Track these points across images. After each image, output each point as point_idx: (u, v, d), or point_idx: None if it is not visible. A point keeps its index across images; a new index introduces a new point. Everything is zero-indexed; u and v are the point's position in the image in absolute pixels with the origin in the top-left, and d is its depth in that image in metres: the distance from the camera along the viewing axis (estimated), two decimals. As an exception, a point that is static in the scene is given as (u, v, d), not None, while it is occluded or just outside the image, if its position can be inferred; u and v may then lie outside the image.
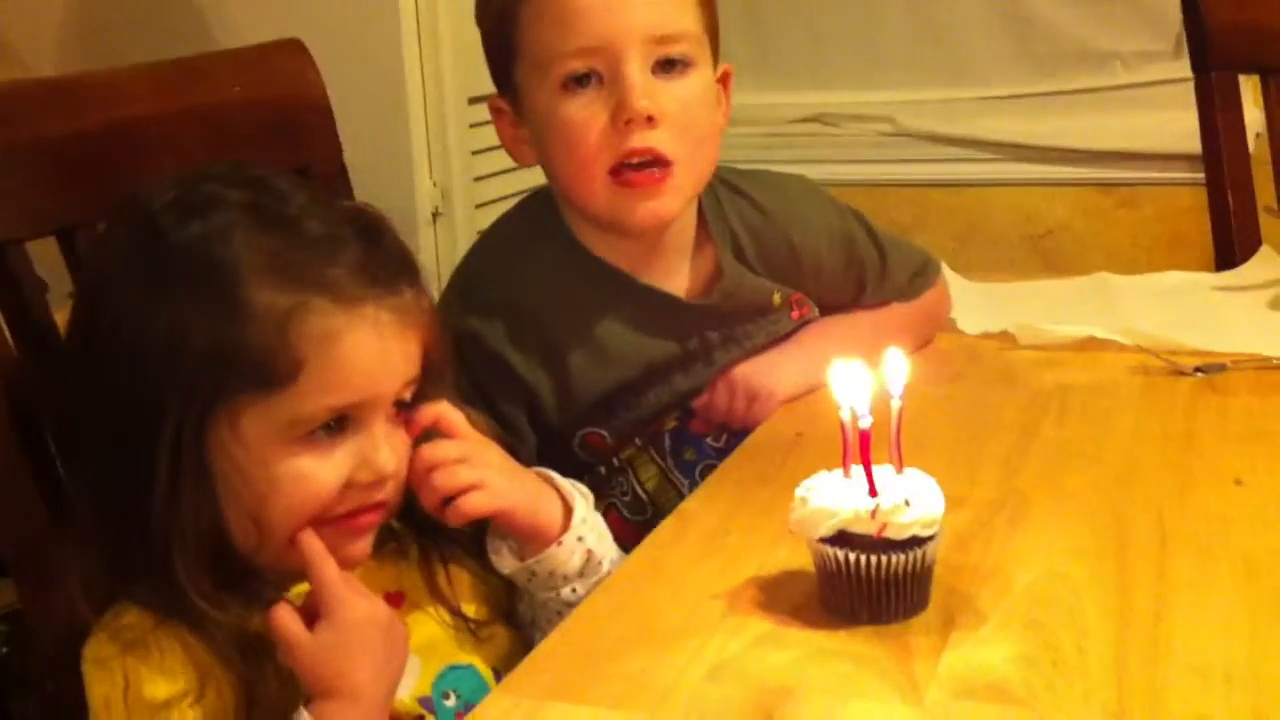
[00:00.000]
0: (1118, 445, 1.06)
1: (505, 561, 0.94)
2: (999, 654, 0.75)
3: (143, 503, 0.80)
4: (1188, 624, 0.77)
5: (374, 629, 0.82)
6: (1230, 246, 1.57)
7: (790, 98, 2.52)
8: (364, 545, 0.88)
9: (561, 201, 1.15)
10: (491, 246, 1.20)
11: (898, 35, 2.53)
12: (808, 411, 1.14)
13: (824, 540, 0.79)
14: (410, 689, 0.88)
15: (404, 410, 0.89)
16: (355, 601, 0.82)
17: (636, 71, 1.06)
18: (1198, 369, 1.19)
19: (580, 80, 1.07)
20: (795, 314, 1.21)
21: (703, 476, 1.15)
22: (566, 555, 0.93)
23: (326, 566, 0.83)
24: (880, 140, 2.49)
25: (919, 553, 0.78)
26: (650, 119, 1.06)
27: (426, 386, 0.90)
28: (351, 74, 1.77)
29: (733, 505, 0.97)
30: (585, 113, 1.07)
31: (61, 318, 0.98)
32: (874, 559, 0.77)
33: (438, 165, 1.95)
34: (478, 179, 2.00)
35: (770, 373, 1.16)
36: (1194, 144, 1.69)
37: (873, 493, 0.78)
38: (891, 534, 0.77)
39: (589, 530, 0.94)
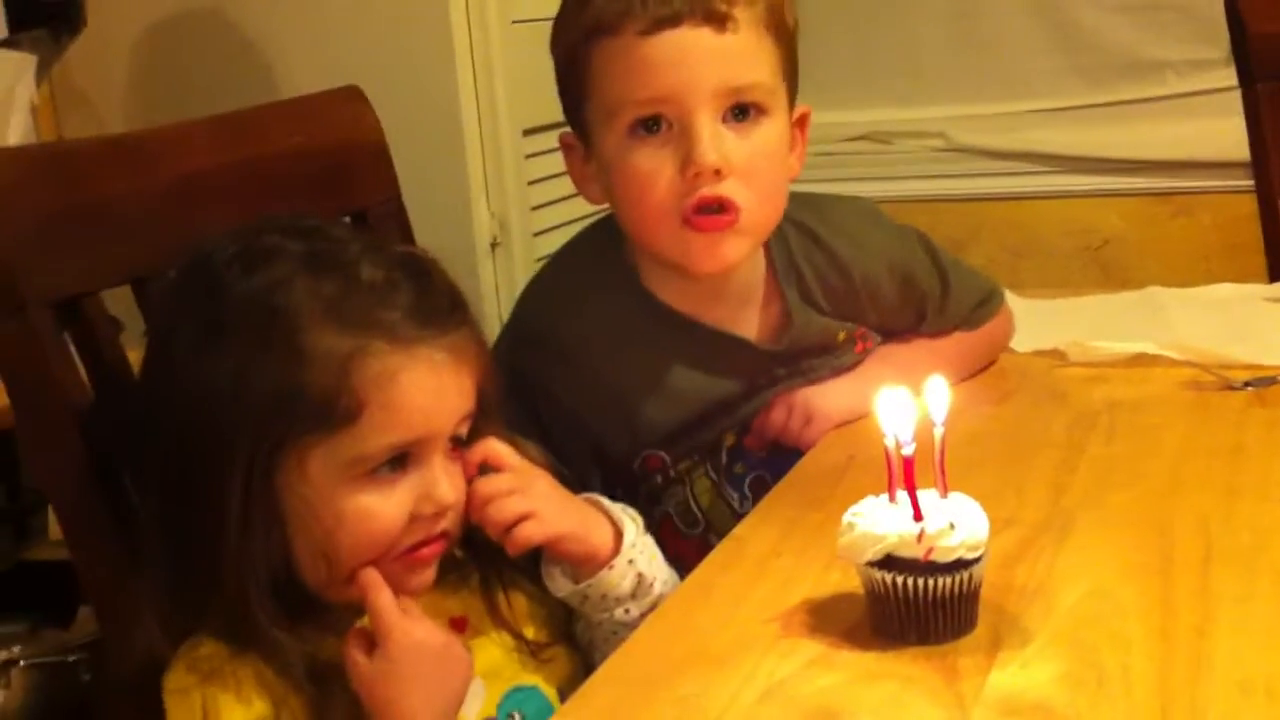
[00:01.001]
0: (1165, 461, 1.07)
1: (559, 585, 0.97)
2: (1044, 673, 0.76)
3: (216, 540, 0.84)
4: (1230, 639, 0.78)
5: (425, 655, 0.85)
6: (1282, 256, 1.57)
7: (840, 116, 2.55)
8: (427, 576, 0.91)
9: (627, 240, 1.16)
10: (551, 284, 1.21)
11: (945, 50, 2.55)
12: (860, 436, 1.15)
13: (871, 564, 0.81)
14: (476, 711, 0.91)
15: (460, 445, 0.92)
16: (408, 629, 0.85)
17: (705, 124, 1.06)
18: (1247, 383, 1.20)
19: (649, 126, 1.07)
20: (859, 348, 1.23)
21: (751, 488, 1.18)
22: (618, 578, 0.96)
23: (381, 596, 0.86)
24: (932, 156, 2.51)
25: (965, 575, 0.80)
26: (717, 171, 1.07)
27: (481, 420, 0.94)
28: (409, 110, 1.82)
29: (785, 529, 0.99)
30: (653, 161, 1.07)
31: (136, 356, 1.03)
32: (921, 582, 0.79)
33: (495, 196, 2.00)
34: (535, 208, 2.04)
35: (827, 396, 1.19)
36: (1248, 151, 1.70)
37: (918, 517, 0.80)
38: (937, 557, 0.79)
39: (639, 553, 0.97)
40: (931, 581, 0.79)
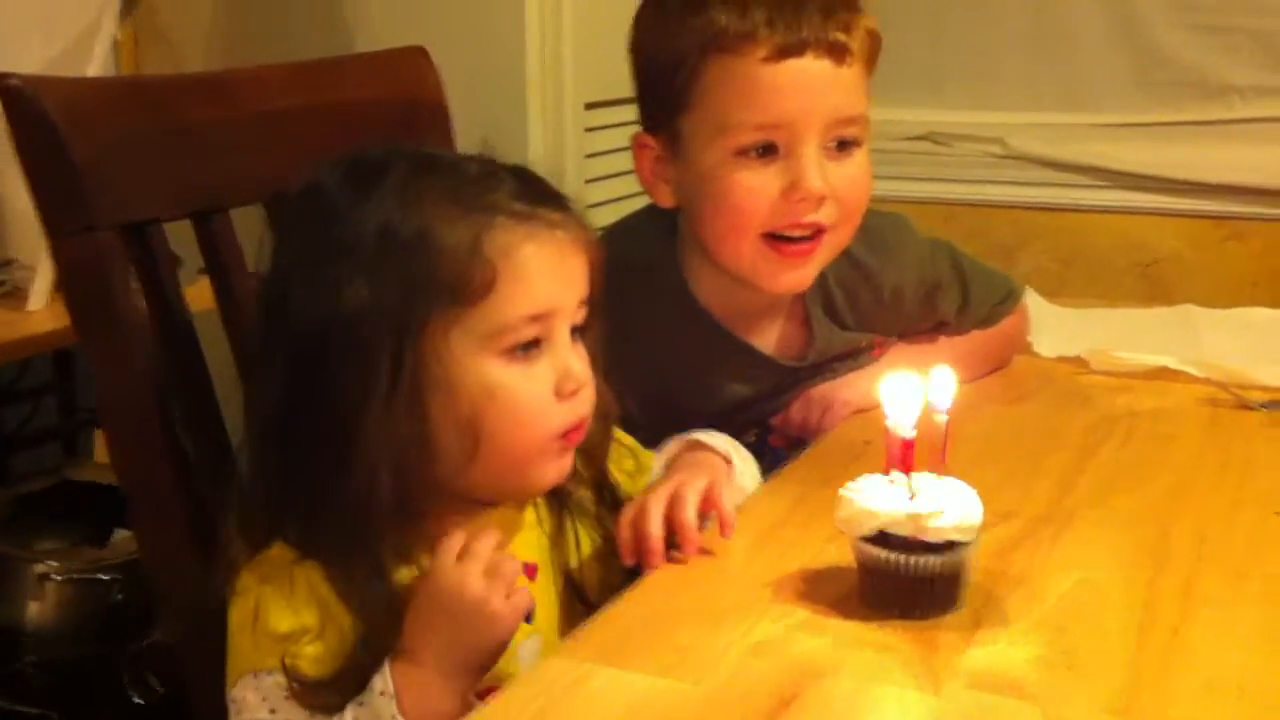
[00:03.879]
0: (1172, 470, 1.10)
1: None
2: (1020, 654, 0.80)
3: (346, 435, 0.87)
4: (1205, 640, 0.82)
5: (455, 603, 0.85)
6: (1321, 286, 1.58)
7: (903, 114, 2.56)
8: (566, 463, 0.95)
9: (683, 241, 1.20)
10: (609, 255, 1.25)
11: (1015, 58, 2.55)
12: (879, 422, 1.19)
13: (865, 539, 0.85)
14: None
15: (576, 334, 0.95)
16: (450, 572, 0.86)
17: (813, 151, 1.11)
18: (1264, 404, 1.22)
19: (760, 151, 1.12)
20: (875, 352, 1.27)
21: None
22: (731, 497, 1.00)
23: (450, 536, 0.88)
24: (990, 161, 2.52)
25: (953, 556, 0.84)
26: (820, 198, 1.12)
27: (591, 317, 0.96)
28: (477, 74, 1.87)
29: (793, 503, 1.03)
30: (757, 181, 1.12)
31: (192, 293, 1.08)
32: (910, 559, 0.83)
33: (553, 166, 2.02)
34: (590, 181, 2.08)
35: (843, 385, 1.23)
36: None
37: (913, 498, 0.84)
38: (928, 537, 0.83)
39: (747, 478, 1.04)
40: (920, 560, 0.83)
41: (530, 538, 0.98)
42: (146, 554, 1.05)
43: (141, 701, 1.66)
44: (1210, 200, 2.39)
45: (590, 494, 1.01)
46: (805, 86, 1.10)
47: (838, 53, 1.11)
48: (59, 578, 1.70)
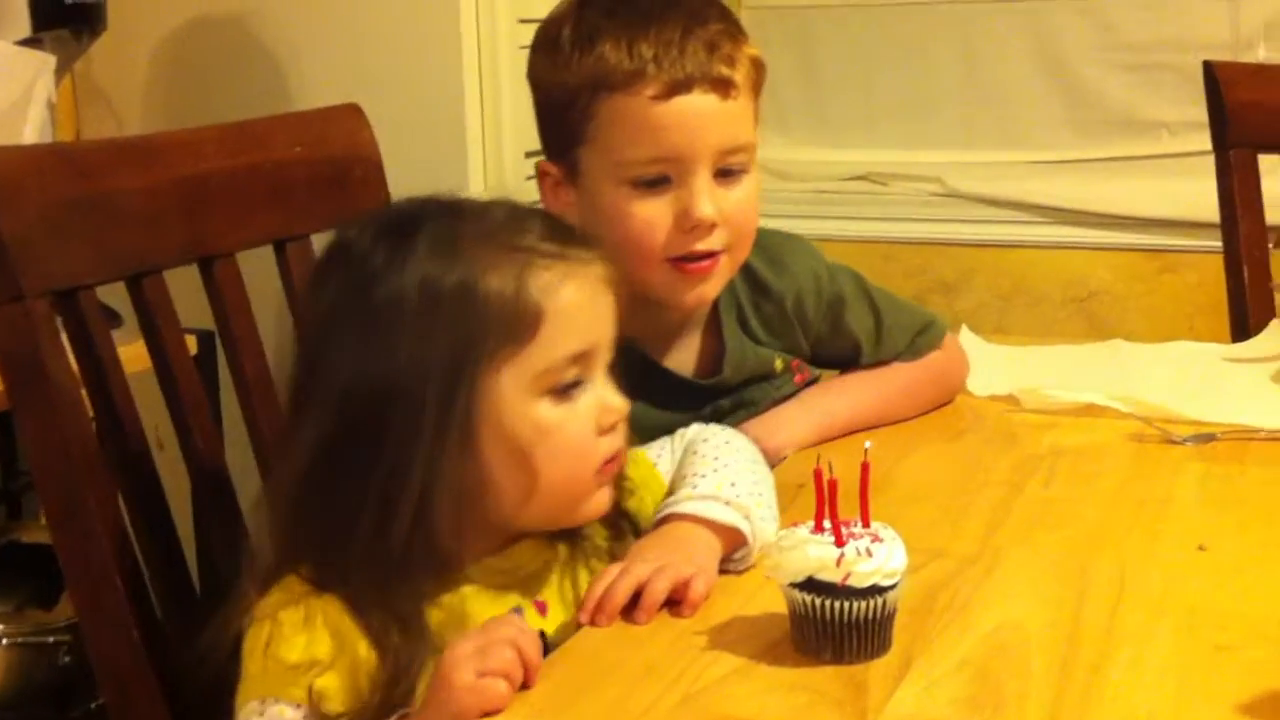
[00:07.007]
0: (1097, 506, 1.12)
1: None
2: (946, 696, 0.82)
3: (394, 479, 0.89)
4: (1124, 675, 0.83)
5: (439, 668, 0.85)
6: (1245, 319, 1.62)
7: (841, 155, 2.60)
8: (609, 494, 0.97)
9: None
10: None
11: (949, 98, 2.60)
12: (812, 466, 1.21)
13: (794, 585, 0.86)
14: None
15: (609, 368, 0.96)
16: (454, 645, 0.85)
17: (703, 181, 1.16)
18: (1187, 438, 1.25)
19: (650, 183, 1.16)
20: (798, 378, 1.29)
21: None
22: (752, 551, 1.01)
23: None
24: (928, 200, 2.56)
25: (879, 600, 0.85)
26: (712, 225, 1.16)
27: (616, 353, 0.97)
28: (416, 127, 1.89)
29: (727, 550, 1.05)
30: (652, 212, 1.16)
31: (126, 352, 1.08)
32: (838, 604, 0.85)
33: (494, 215, 2.05)
34: (533, 229, 2.10)
35: (775, 432, 1.24)
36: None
37: (839, 544, 0.85)
38: (854, 582, 0.85)
39: (762, 532, 1.01)
40: (847, 604, 0.84)
41: (549, 573, 0.99)
42: (83, 622, 1.06)
43: (92, 764, 1.65)
44: (1144, 234, 2.44)
45: (605, 529, 1.02)
46: (694, 121, 1.15)
47: (723, 87, 1.15)
48: (6, 641, 1.69)
